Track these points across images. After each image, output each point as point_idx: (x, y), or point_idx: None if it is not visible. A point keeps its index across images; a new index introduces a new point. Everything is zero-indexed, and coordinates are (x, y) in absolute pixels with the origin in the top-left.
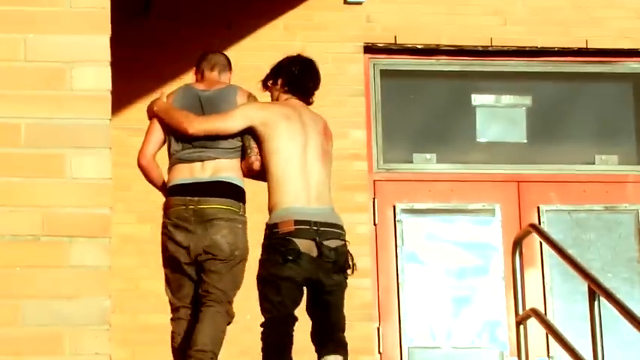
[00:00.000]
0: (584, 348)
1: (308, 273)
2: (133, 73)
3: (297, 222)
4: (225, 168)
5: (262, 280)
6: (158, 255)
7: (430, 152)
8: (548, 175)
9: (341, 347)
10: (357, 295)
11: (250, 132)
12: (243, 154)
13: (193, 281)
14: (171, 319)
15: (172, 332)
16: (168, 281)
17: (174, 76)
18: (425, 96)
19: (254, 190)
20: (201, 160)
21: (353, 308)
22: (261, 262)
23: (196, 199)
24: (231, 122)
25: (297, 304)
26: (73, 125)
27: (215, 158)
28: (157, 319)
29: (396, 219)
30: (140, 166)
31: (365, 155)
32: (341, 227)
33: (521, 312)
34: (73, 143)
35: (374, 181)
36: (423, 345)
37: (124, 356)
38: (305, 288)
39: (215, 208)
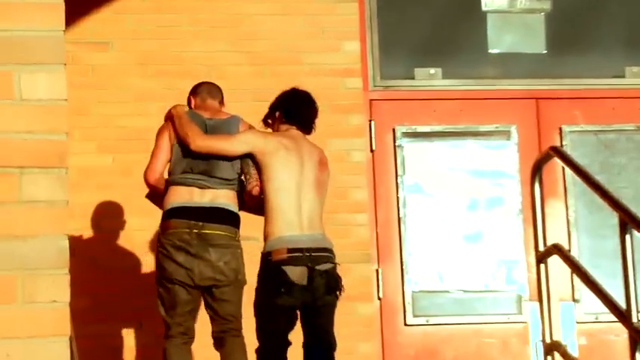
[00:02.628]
0: (614, 289)
1: (301, 299)
2: None
3: (289, 250)
4: (222, 196)
5: (258, 308)
6: (122, 190)
7: (435, 66)
8: (571, 91)
9: None
10: (353, 232)
11: (249, 159)
12: (241, 186)
13: (189, 303)
14: (165, 337)
15: (166, 350)
16: (162, 299)
17: None
18: (428, 0)
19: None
20: (200, 187)
21: (348, 247)
22: (257, 291)
23: (200, 223)
24: (234, 146)
25: (291, 329)
26: (20, 38)
27: (212, 187)
28: (119, 263)
29: (396, 144)
30: (148, 184)
31: (359, 71)
32: (332, 251)
33: (541, 248)
34: (21, 58)
35: (370, 100)
36: (429, 289)
37: (84, 305)
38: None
39: (217, 233)
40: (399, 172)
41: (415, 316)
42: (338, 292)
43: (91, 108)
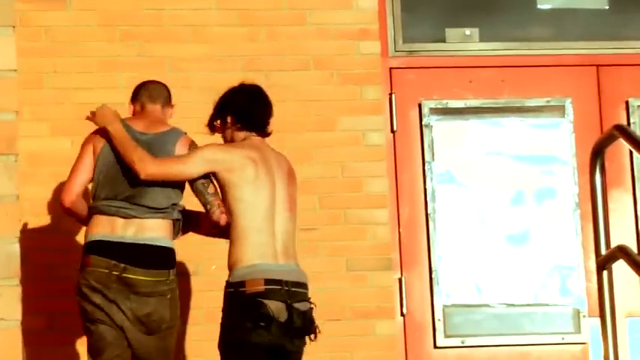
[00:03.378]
0: None
1: (275, 338)
2: None
3: (267, 281)
4: (150, 228)
5: (227, 345)
6: None
7: (470, 26)
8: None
9: None
10: (370, 232)
11: (208, 178)
12: (188, 215)
13: (117, 346)
14: None
15: None
16: (88, 346)
17: None
18: None
19: None
20: (124, 217)
21: (364, 251)
22: (225, 327)
23: (122, 265)
24: (191, 167)
25: None
26: None
27: (138, 217)
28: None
29: (423, 123)
30: (63, 207)
31: (377, 32)
32: (307, 287)
33: (603, 252)
34: None
35: (390, 69)
36: (464, 302)
37: (39, 325)
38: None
39: (141, 279)
40: (427, 158)
41: (447, 336)
42: (312, 337)
43: (45, 80)
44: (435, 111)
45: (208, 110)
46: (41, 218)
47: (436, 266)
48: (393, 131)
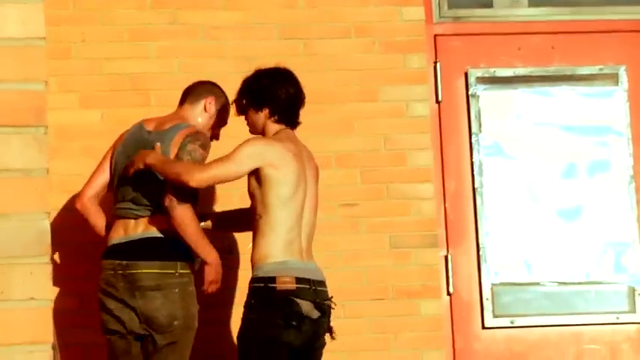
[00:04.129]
0: None
1: (306, 338)
2: None
3: (297, 280)
4: (156, 223)
5: (254, 342)
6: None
7: None
8: None
9: None
10: (414, 207)
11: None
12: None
13: (129, 355)
14: None
15: None
16: (110, 354)
17: None
18: None
19: None
20: (134, 218)
21: (408, 227)
22: (253, 322)
23: (125, 262)
24: (238, 166)
25: None
26: None
27: (143, 217)
28: None
29: (470, 93)
30: (77, 209)
31: None
32: (327, 285)
33: None
34: None
35: (435, 36)
36: (514, 280)
37: (69, 306)
38: None
39: (144, 273)
40: (474, 130)
41: (496, 316)
42: (332, 336)
43: (73, 50)
44: (481, 80)
45: (240, 79)
46: (70, 195)
47: (484, 243)
48: (437, 101)
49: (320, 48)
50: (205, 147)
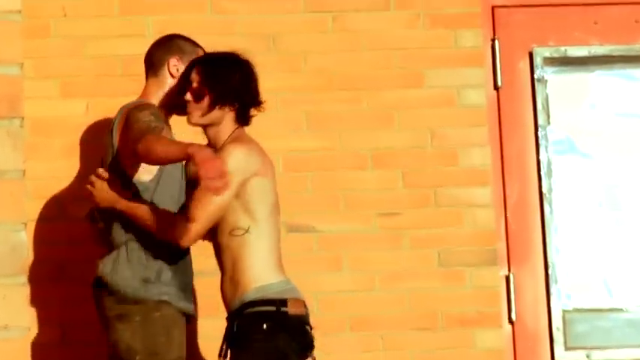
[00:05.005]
0: None
1: None
2: None
3: (304, 303)
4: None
5: None
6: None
7: None
8: None
9: None
10: (468, 216)
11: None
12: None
13: None
14: None
15: None
16: None
17: None
18: None
19: None
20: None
21: (460, 241)
22: (270, 350)
23: (97, 292)
24: (225, 194)
25: None
26: None
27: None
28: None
29: (535, 77)
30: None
31: None
32: None
33: None
34: None
35: (492, 7)
36: (590, 306)
37: (50, 337)
38: None
39: (105, 300)
40: (541, 122)
41: (569, 348)
42: None
43: (52, 27)
44: (550, 61)
45: (257, 61)
46: (48, 203)
47: (553, 260)
48: (496, 87)
49: (353, 22)
50: (158, 116)
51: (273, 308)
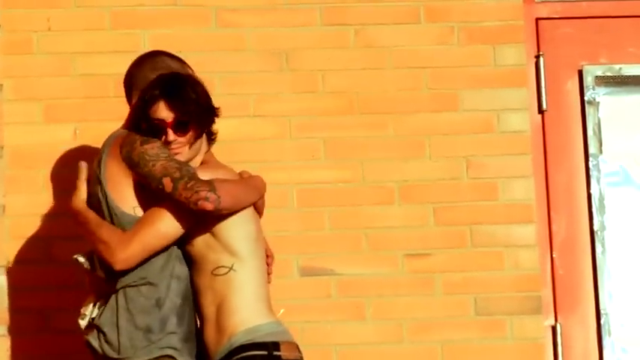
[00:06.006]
0: None
1: None
2: None
3: (297, 347)
4: None
5: None
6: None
7: None
8: None
9: None
10: (509, 258)
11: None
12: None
13: None
14: None
15: None
16: None
17: None
18: None
19: None
20: None
21: (500, 286)
22: None
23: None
24: (173, 229)
25: None
26: None
27: None
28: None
29: (586, 99)
30: None
31: None
32: None
33: None
34: None
35: (537, 20)
36: None
37: None
38: None
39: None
40: (592, 150)
41: None
42: None
43: (35, 42)
44: (602, 81)
45: (269, 80)
46: (30, 242)
47: (606, 308)
48: (541, 111)
49: (377, 37)
50: (148, 141)
51: (265, 352)
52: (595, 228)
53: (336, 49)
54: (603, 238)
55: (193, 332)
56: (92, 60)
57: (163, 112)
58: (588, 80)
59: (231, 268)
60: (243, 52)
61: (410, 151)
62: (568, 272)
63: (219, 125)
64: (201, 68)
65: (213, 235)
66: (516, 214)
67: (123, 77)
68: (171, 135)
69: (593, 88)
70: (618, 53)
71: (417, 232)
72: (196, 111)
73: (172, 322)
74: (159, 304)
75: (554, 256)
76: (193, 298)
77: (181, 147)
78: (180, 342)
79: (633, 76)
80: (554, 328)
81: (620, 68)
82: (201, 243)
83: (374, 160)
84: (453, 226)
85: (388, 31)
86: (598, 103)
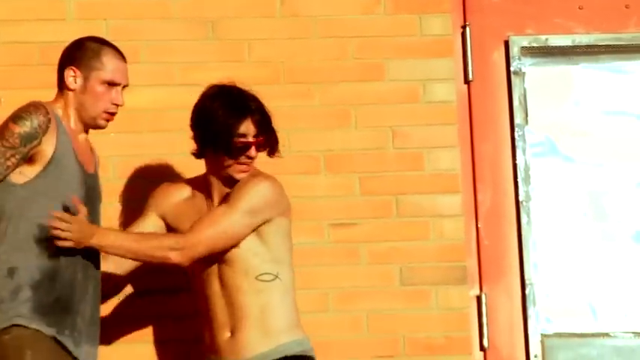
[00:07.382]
0: None
1: None
2: None
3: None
4: None
5: None
6: None
7: None
8: None
9: None
10: (435, 228)
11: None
12: None
13: None
14: None
15: None
16: None
17: None
18: None
19: None
20: None
21: (427, 256)
22: None
23: None
24: (252, 217)
25: None
26: None
27: None
28: None
29: (512, 69)
30: None
31: None
32: None
33: None
34: None
35: None
36: (573, 330)
37: None
38: None
39: None
40: (517, 121)
41: None
42: None
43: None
44: (529, 51)
45: (194, 49)
46: None
47: (531, 278)
48: (467, 81)
49: (303, 6)
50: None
51: None
52: (520, 198)
53: (262, 18)
54: (529, 209)
55: (66, 309)
56: (17, 28)
57: (249, 127)
58: (514, 51)
59: (277, 277)
60: (169, 20)
61: (336, 121)
62: (493, 242)
63: (143, 94)
64: (127, 36)
65: (268, 243)
66: (442, 184)
67: (48, 45)
68: (252, 152)
69: (519, 59)
70: (544, 24)
71: (342, 201)
72: (273, 131)
73: (26, 293)
74: (11, 273)
75: (479, 226)
76: (230, 294)
77: (251, 165)
78: (31, 311)
79: (559, 46)
80: (479, 298)
81: (547, 39)
82: (248, 247)
83: (299, 129)
84: (378, 195)
85: (314, 1)
86: (524, 73)
